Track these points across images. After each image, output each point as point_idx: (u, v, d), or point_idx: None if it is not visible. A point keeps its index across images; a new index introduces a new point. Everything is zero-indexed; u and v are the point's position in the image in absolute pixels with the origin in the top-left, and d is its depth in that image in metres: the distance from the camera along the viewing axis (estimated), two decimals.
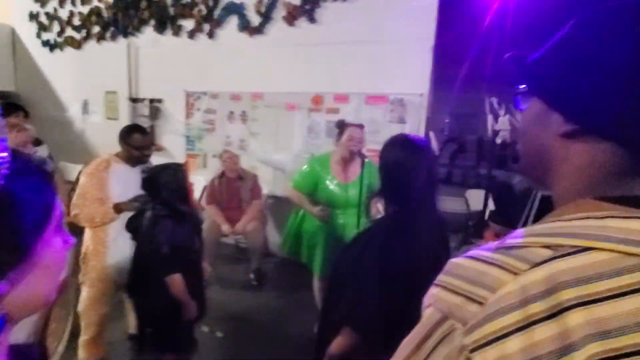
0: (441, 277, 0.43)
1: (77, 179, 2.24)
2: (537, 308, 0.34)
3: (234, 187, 3.35)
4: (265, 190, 3.64)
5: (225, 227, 3.21)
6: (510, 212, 3.19)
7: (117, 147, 2.03)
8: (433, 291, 0.43)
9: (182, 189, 1.63)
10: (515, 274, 0.37)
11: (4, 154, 0.40)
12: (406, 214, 1.16)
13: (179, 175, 1.63)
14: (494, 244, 0.42)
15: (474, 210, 3.96)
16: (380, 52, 3.22)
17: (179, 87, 4.15)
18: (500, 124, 2.41)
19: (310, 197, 2.31)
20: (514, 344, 0.34)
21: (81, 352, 2.05)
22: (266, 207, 3.73)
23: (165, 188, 1.57)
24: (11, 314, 0.41)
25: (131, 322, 2.17)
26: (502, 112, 2.42)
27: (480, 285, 0.38)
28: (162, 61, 4.29)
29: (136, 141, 1.95)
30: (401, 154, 1.19)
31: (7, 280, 0.39)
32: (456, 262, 0.43)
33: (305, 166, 2.43)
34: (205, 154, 4.16)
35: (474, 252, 0.42)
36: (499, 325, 0.35)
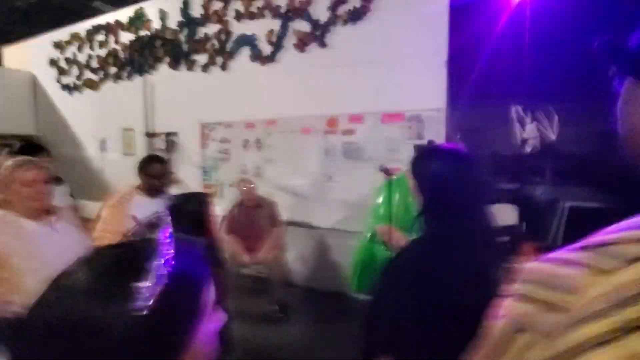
0: (514, 286, 0.39)
1: (99, 214, 2.19)
2: (635, 313, 0.29)
3: (252, 215, 3.27)
4: (284, 216, 3.55)
5: (245, 257, 3.10)
6: (537, 225, 3.01)
7: (133, 181, 2.02)
8: (505, 302, 0.39)
9: (205, 219, 1.55)
10: (607, 273, 0.32)
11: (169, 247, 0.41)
12: (450, 229, 1.04)
13: (203, 205, 1.56)
14: (576, 244, 0.37)
15: (502, 225, 3.76)
16: (393, 70, 3.21)
17: (193, 119, 4.20)
18: (527, 132, 2.29)
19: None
20: (607, 356, 0.29)
21: None
22: (285, 234, 3.62)
23: (187, 217, 1.50)
24: None
25: None
26: (528, 119, 2.31)
27: (563, 289, 0.34)
28: (177, 95, 4.38)
29: (155, 170, 1.95)
30: (441, 164, 1.09)
31: None
32: (532, 266, 0.39)
33: (382, 194, 2.14)
34: (221, 184, 4.13)
35: (552, 254, 0.38)
36: (588, 334, 0.31)
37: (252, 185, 3.30)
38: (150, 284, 0.37)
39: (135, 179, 2.04)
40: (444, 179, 1.07)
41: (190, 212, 1.51)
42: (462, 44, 3.00)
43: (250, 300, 3.35)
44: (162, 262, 0.39)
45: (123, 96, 4.80)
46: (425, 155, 1.13)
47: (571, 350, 0.31)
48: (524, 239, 2.60)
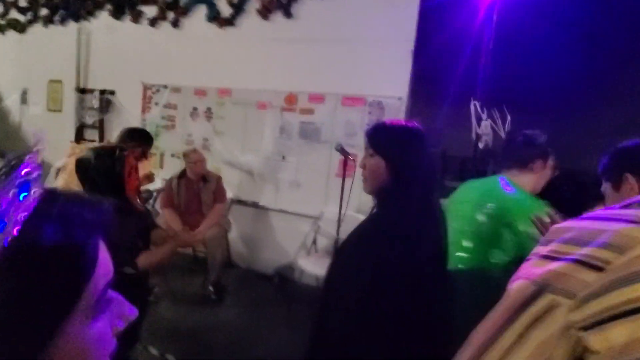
0: (540, 248, 0.36)
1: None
2: None
3: (194, 189, 3.00)
4: (230, 194, 3.32)
5: (182, 233, 2.83)
6: None
7: (59, 142, 1.72)
8: (526, 264, 0.36)
9: (117, 176, 1.32)
10: None
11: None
12: (417, 207, 0.99)
13: (115, 161, 1.33)
14: (614, 205, 0.34)
15: None
16: (359, 52, 3.08)
17: (135, 78, 3.75)
18: (482, 129, 2.31)
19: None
20: None
21: None
22: (230, 212, 3.39)
23: (96, 173, 1.28)
24: None
25: None
26: (484, 116, 2.33)
27: (600, 246, 0.30)
28: (117, 50, 3.88)
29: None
30: (418, 143, 1.06)
31: None
32: (561, 225, 0.36)
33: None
34: (162, 153, 3.76)
35: (585, 215, 0.35)
36: (628, 296, 0.26)
37: (203, 160, 3.02)
38: None
39: (60, 140, 1.74)
40: (419, 158, 1.04)
41: (96, 166, 1.28)
42: (430, 34, 2.95)
43: (184, 280, 3.10)
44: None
45: (53, 43, 4.16)
46: (402, 134, 1.08)
47: (605, 312, 0.26)
48: None
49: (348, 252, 1.07)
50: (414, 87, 3.05)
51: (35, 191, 0.31)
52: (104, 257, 0.34)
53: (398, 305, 0.92)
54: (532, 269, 0.34)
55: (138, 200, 1.47)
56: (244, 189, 3.45)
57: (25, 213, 0.30)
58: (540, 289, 0.32)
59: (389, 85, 3.03)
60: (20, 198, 0.30)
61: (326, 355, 1.01)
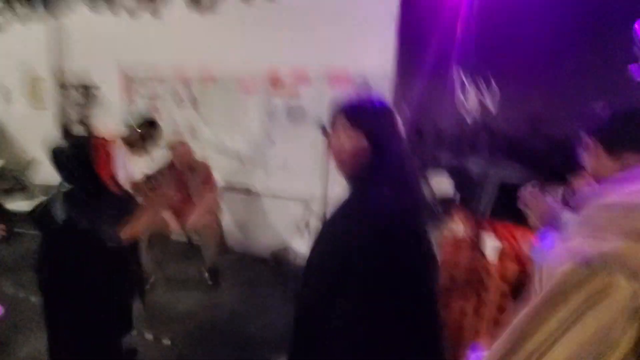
0: (575, 229, 0.36)
1: None
2: None
3: (182, 179, 2.99)
4: (221, 180, 3.31)
5: (173, 225, 2.86)
6: (470, 197, 3.13)
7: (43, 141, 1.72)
8: (566, 245, 0.34)
9: (89, 163, 1.34)
10: None
11: None
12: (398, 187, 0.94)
13: (80, 148, 1.35)
14: None
15: (439, 196, 3.90)
16: (342, 25, 3.02)
17: (116, 71, 3.69)
18: (470, 103, 2.29)
19: None
20: None
21: None
22: (222, 199, 3.40)
23: (69, 161, 1.29)
24: None
25: None
26: (472, 92, 2.30)
27: None
28: (96, 42, 3.79)
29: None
30: (388, 120, 1.00)
31: None
32: (600, 204, 0.35)
33: None
34: None
35: (610, 186, 0.37)
36: None
37: (190, 151, 3.00)
38: None
39: (46, 138, 1.74)
40: (398, 133, 0.99)
41: (69, 154, 1.29)
42: (416, 5, 2.88)
43: (179, 266, 3.14)
44: None
45: (29, 39, 4.07)
46: (383, 109, 1.01)
47: None
48: (457, 207, 2.68)
49: (325, 235, 1.01)
50: (401, 59, 3.00)
51: None
52: None
53: (375, 287, 0.89)
54: (579, 249, 0.32)
55: (116, 185, 1.47)
56: (234, 175, 3.45)
57: None
58: (594, 270, 0.30)
59: (374, 60, 2.99)
60: None
61: (307, 334, 1.00)
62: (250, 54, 3.30)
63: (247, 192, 3.45)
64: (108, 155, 1.41)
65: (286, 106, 3.26)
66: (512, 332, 0.36)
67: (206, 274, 2.90)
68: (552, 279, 0.34)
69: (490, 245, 1.70)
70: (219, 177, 3.23)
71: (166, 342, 2.16)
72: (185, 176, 3.00)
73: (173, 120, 3.62)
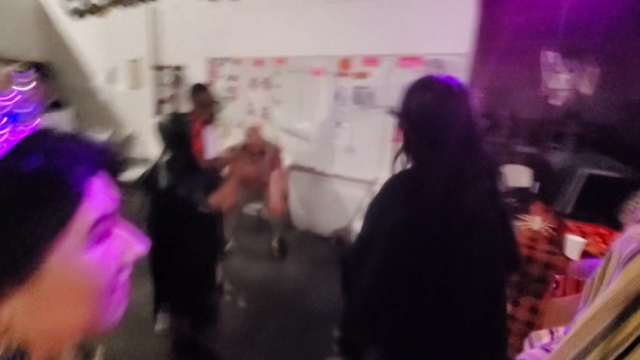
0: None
1: None
2: None
3: (253, 159, 3.21)
4: (289, 160, 3.48)
5: (255, 207, 3.12)
6: (551, 189, 2.88)
7: (141, 117, 1.99)
8: (631, 229, 0.34)
9: (186, 137, 1.54)
10: None
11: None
12: (434, 167, 0.88)
13: (185, 125, 1.54)
14: None
15: (514, 187, 3.64)
16: (416, 5, 2.91)
17: (200, 53, 4.01)
18: (560, 82, 2.07)
19: None
20: None
21: None
22: (289, 178, 3.58)
23: (170, 134, 1.51)
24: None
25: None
26: (563, 69, 2.08)
27: None
28: (183, 27, 4.15)
29: (203, 97, 2.00)
30: (429, 96, 0.91)
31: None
32: None
33: None
34: (227, 123, 4.03)
35: None
36: None
37: (258, 140, 3.16)
38: None
39: (142, 115, 2.02)
40: (431, 111, 0.91)
41: (167, 127, 1.50)
42: None
43: (251, 238, 3.42)
44: None
45: (128, 24, 4.58)
46: (415, 87, 0.95)
47: None
48: (535, 199, 2.50)
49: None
50: (479, 40, 2.82)
51: (27, 123, 0.34)
52: (99, 191, 0.35)
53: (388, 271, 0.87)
54: None
55: (204, 158, 1.68)
56: (301, 155, 3.59)
57: (11, 140, 0.31)
58: None
59: (449, 41, 2.84)
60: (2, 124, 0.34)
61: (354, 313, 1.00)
62: (320, 35, 3.35)
63: (313, 172, 3.58)
64: (199, 132, 1.60)
65: (354, 88, 3.27)
66: (582, 329, 0.35)
67: (275, 246, 3.13)
68: (623, 268, 0.33)
69: (572, 240, 1.59)
70: (287, 156, 3.40)
71: (241, 304, 2.42)
72: (257, 157, 3.20)
73: (248, 100, 3.85)
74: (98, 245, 0.35)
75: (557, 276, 1.52)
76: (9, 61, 4.39)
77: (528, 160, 3.35)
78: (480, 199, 0.88)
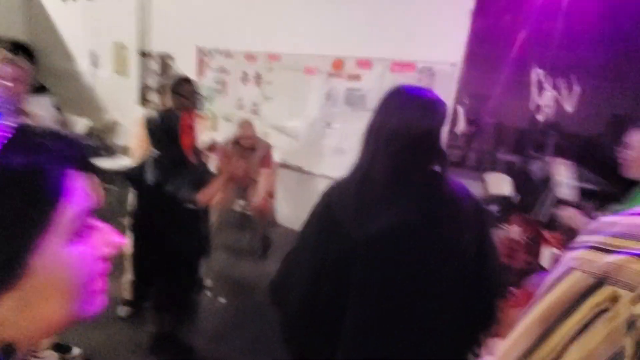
0: (586, 238, 0.36)
1: None
2: None
3: (243, 155, 3.18)
4: (277, 158, 3.47)
5: (241, 202, 3.09)
6: (529, 199, 2.98)
7: (126, 104, 1.93)
8: (575, 254, 0.36)
9: (175, 133, 1.53)
10: None
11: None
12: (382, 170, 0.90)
13: (170, 120, 1.55)
14: None
15: (495, 195, 3.74)
16: (411, 12, 2.94)
17: (191, 42, 3.93)
18: (544, 99, 2.15)
19: None
20: None
21: None
22: (277, 176, 3.56)
23: (158, 130, 1.48)
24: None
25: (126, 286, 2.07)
26: (548, 86, 2.16)
27: None
28: (174, 13, 4.05)
29: (185, 90, 2.06)
30: (402, 103, 0.90)
31: None
32: (608, 220, 0.35)
33: None
34: (215, 117, 3.98)
35: (633, 210, 0.35)
36: None
37: (250, 134, 3.13)
38: None
39: (127, 102, 1.96)
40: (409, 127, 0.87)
41: (157, 124, 1.51)
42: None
43: (234, 234, 3.39)
44: None
45: (116, 7, 4.43)
46: (392, 92, 0.95)
47: None
48: (514, 209, 2.57)
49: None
50: (471, 51, 2.88)
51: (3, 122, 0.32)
52: (79, 187, 0.35)
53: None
54: (585, 260, 0.34)
55: (194, 155, 1.65)
56: (289, 154, 3.58)
57: None
58: (600, 280, 0.32)
59: (442, 50, 2.89)
60: None
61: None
62: (315, 34, 3.34)
63: (301, 170, 3.58)
64: (190, 127, 1.57)
65: (346, 89, 3.28)
66: (523, 334, 0.38)
67: (258, 244, 3.11)
68: (555, 284, 0.36)
69: (548, 251, 1.66)
70: (275, 154, 3.38)
71: (222, 300, 2.40)
72: (247, 153, 3.18)
73: (238, 95, 3.81)
74: (79, 239, 0.35)
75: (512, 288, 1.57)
76: None
77: (509, 169, 3.45)
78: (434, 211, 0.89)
